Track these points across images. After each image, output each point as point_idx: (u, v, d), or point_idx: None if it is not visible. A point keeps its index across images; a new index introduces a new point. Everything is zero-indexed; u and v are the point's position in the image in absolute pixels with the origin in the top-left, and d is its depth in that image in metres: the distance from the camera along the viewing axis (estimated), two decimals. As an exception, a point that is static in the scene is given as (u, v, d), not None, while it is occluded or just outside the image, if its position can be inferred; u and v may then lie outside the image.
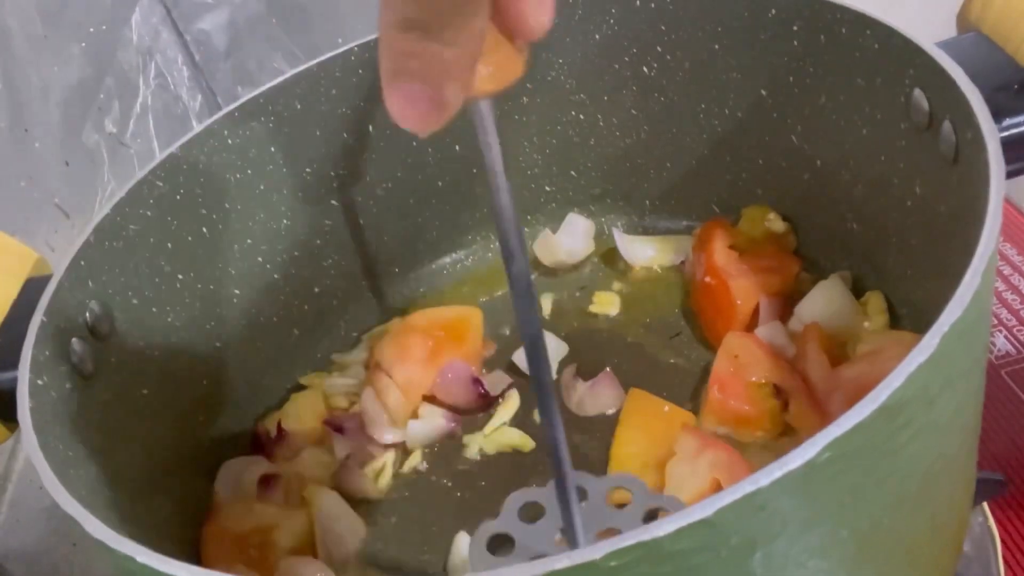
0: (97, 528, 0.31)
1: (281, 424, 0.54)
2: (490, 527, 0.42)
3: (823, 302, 0.52)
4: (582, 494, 0.41)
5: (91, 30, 0.69)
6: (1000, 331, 0.61)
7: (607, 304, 0.59)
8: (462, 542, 0.48)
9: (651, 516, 0.42)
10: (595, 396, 0.53)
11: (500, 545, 0.42)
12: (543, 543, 0.41)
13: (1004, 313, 0.62)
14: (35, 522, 0.53)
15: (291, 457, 0.53)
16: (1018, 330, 0.60)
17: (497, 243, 0.65)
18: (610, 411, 0.53)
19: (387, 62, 0.25)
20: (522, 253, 0.31)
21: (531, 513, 0.42)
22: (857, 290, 0.52)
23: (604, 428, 0.51)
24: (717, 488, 0.45)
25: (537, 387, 0.34)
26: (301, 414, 0.55)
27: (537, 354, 0.33)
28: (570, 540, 0.37)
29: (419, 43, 0.24)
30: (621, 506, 0.43)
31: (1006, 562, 0.48)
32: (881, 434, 0.28)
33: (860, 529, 0.30)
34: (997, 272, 0.66)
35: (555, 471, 0.35)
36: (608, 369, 0.53)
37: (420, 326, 0.57)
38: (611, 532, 0.40)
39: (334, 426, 0.53)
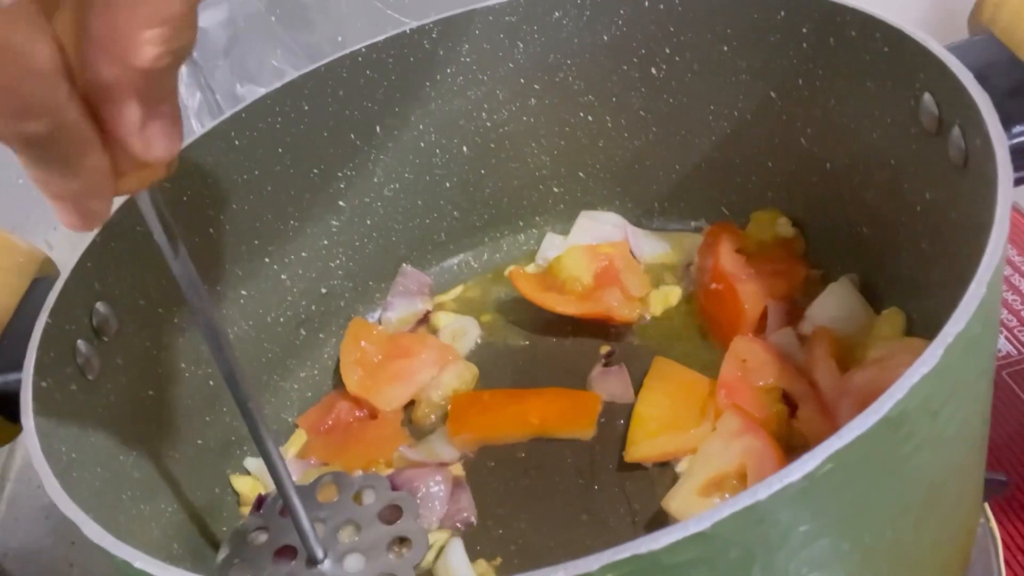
0: (96, 532, 0.31)
1: None
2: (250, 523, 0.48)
3: (834, 304, 0.52)
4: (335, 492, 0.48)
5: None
6: (1001, 332, 0.60)
7: (665, 299, 0.58)
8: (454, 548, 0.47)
9: (387, 510, 0.46)
10: (603, 381, 0.54)
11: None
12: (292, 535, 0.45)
13: (1004, 314, 0.61)
14: (33, 520, 0.54)
15: None
16: (1019, 330, 0.60)
17: (503, 244, 0.65)
18: (617, 400, 0.53)
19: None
20: (209, 303, 0.37)
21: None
22: (866, 295, 0.52)
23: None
24: (742, 474, 0.45)
25: (242, 414, 0.39)
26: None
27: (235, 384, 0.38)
28: (306, 545, 0.42)
29: (46, 177, 0.29)
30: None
31: (1007, 563, 0.48)
32: (884, 446, 0.28)
33: (863, 542, 0.30)
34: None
35: (280, 491, 0.40)
36: (623, 364, 0.54)
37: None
38: (353, 526, 0.46)
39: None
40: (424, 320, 0.61)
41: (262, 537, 0.47)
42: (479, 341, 0.59)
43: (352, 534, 0.46)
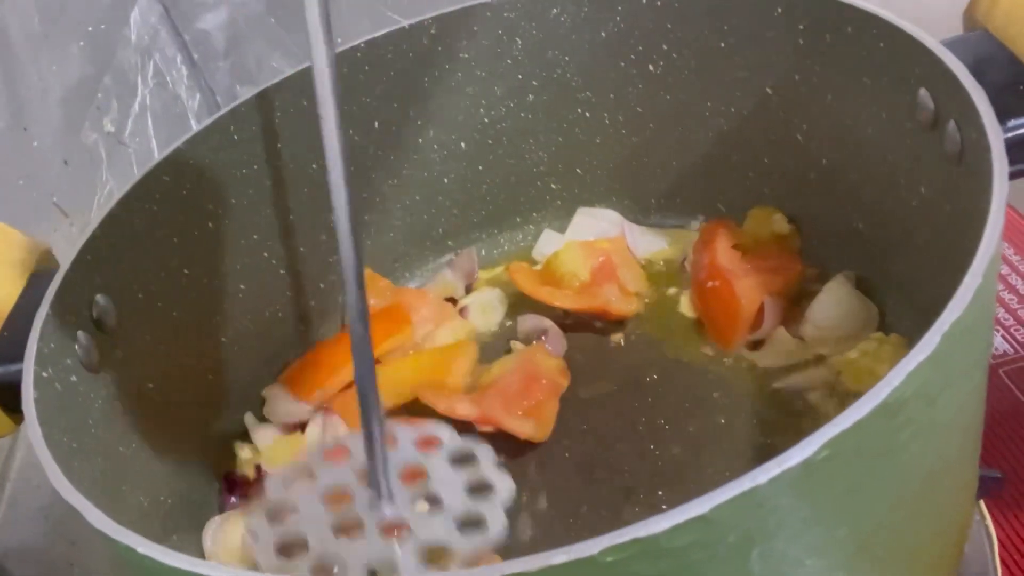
0: (98, 519, 0.31)
1: (262, 467, 0.52)
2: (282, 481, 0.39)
3: (833, 303, 0.52)
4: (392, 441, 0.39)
5: (90, 29, 0.69)
6: (998, 331, 0.61)
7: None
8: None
9: (458, 458, 0.39)
10: None
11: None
12: (346, 477, 0.38)
13: (1002, 313, 0.61)
14: (33, 520, 0.54)
15: None
16: (1015, 330, 0.60)
17: (503, 242, 0.65)
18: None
19: None
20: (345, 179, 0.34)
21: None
22: (862, 289, 0.52)
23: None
24: None
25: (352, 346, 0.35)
26: (279, 458, 0.53)
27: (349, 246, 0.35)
28: (372, 481, 0.36)
29: None
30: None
31: (1003, 562, 0.48)
32: (881, 433, 0.28)
33: (859, 529, 0.30)
34: (996, 272, 0.65)
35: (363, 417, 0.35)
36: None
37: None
38: (418, 472, 0.38)
39: None
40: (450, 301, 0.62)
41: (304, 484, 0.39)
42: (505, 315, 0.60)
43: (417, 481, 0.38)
